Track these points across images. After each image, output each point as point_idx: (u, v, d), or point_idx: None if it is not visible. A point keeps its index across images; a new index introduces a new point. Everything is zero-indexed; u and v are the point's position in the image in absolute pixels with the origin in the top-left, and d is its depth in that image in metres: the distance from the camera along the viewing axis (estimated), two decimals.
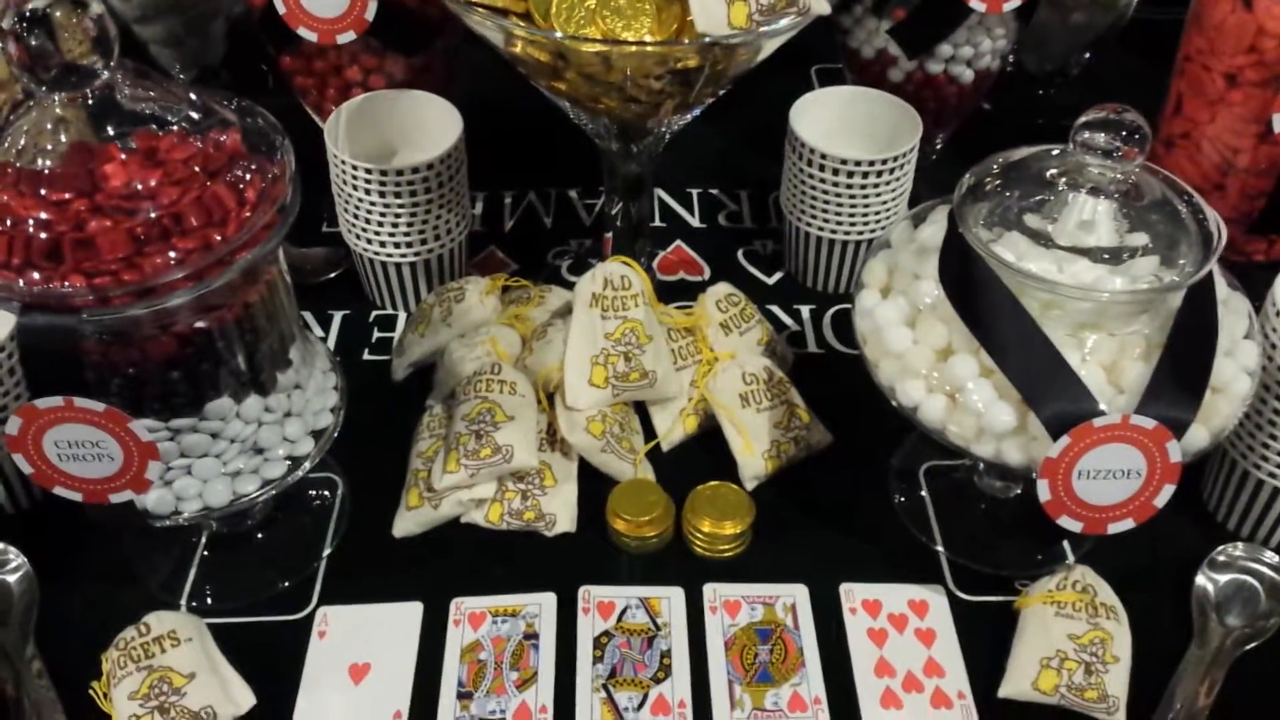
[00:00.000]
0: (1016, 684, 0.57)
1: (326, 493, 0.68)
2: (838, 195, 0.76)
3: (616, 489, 0.65)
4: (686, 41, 0.57)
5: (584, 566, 0.63)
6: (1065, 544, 0.65)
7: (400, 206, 0.73)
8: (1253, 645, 0.60)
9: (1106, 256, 0.54)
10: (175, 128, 0.50)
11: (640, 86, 0.61)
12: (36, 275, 0.47)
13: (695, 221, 0.89)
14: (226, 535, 0.65)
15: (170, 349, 0.52)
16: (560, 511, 0.65)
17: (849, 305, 0.79)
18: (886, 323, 0.58)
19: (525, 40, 0.58)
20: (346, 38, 0.72)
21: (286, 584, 0.63)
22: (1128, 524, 0.54)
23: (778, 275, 0.83)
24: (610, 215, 0.77)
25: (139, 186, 0.49)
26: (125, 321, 0.49)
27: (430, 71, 0.79)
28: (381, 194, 0.72)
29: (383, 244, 0.75)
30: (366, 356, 0.76)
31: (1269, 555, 0.63)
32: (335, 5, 0.71)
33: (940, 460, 0.70)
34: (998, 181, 0.57)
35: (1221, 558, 0.63)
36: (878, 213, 0.77)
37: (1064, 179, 0.55)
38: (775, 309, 0.80)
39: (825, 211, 0.77)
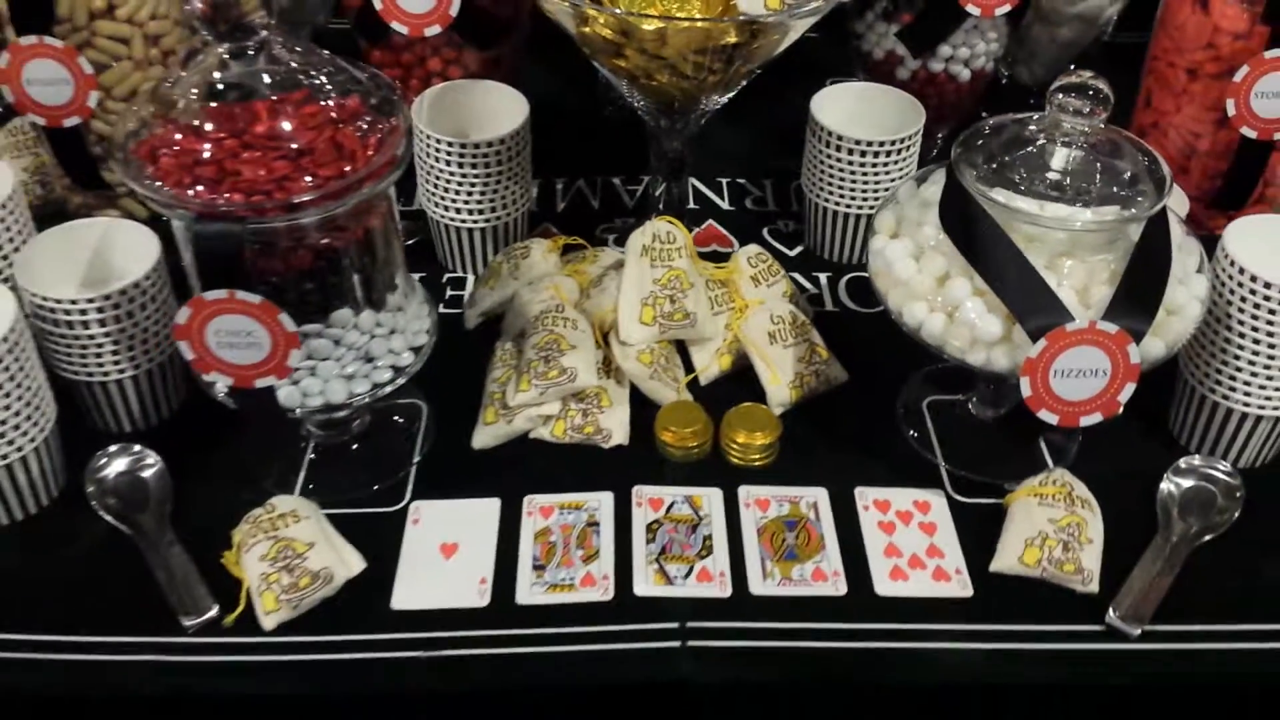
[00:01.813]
0: (1005, 559, 0.68)
1: (413, 415, 0.78)
2: (853, 173, 0.87)
3: (664, 408, 0.76)
4: (728, 20, 0.69)
5: (636, 472, 0.74)
6: (1047, 456, 0.76)
7: (475, 177, 0.85)
8: (1208, 538, 0.70)
9: (1078, 197, 0.65)
10: (314, 83, 0.62)
11: (689, 62, 0.73)
12: (204, 190, 0.59)
13: (725, 205, 1.00)
14: (330, 446, 0.76)
15: (306, 261, 0.63)
16: (615, 427, 0.76)
17: (862, 272, 0.91)
18: (895, 257, 0.69)
19: (596, 19, 0.70)
20: (433, 31, 0.84)
21: (382, 485, 0.73)
22: (1096, 417, 0.65)
23: (798, 249, 0.95)
24: (655, 196, 0.88)
25: (283, 129, 0.60)
26: (275, 232, 0.61)
27: (500, 65, 0.92)
28: (460, 164, 0.84)
29: (458, 211, 0.87)
30: (441, 310, 0.88)
31: (1223, 464, 0.73)
32: (424, 2, 0.83)
33: (940, 395, 0.80)
34: (989, 138, 0.68)
35: (1184, 465, 0.73)
36: (887, 188, 0.88)
37: (1043, 134, 0.67)
38: (797, 275, 0.91)
39: (842, 187, 0.88)
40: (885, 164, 0.87)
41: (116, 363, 0.73)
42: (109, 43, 0.79)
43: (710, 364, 0.81)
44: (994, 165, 0.67)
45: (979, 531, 0.71)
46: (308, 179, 0.60)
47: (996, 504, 0.72)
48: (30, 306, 0.70)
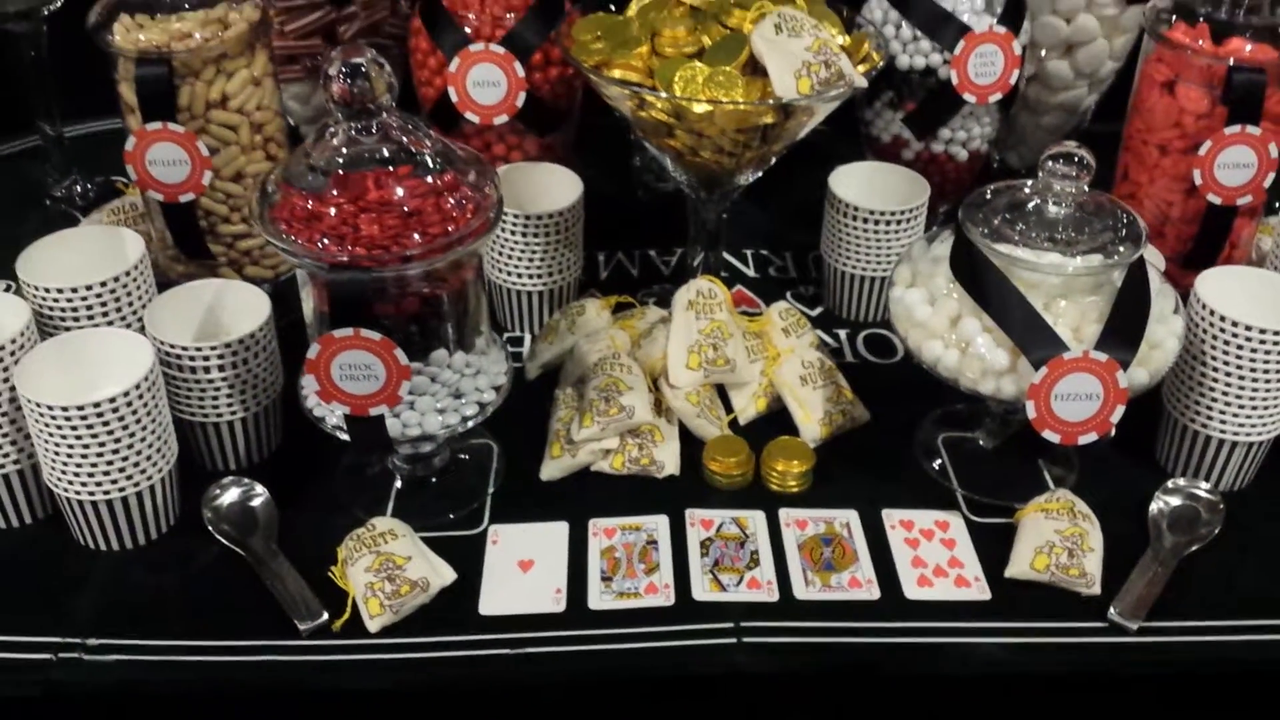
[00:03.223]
0: (1018, 565, 0.77)
1: (485, 453, 0.88)
2: (867, 240, 0.99)
3: (711, 441, 0.86)
4: (766, 103, 0.81)
5: (687, 498, 0.84)
6: (1050, 482, 0.85)
7: (535, 245, 0.96)
8: (1195, 548, 0.80)
9: (1069, 248, 0.76)
10: (422, 157, 0.73)
11: (732, 139, 0.84)
12: (335, 247, 0.70)
13: (751, 272, 1.11)
14: (414, 479, 0.85)
15: (414, 307, 0.74)
16: (668, 459, 0.85)
17: (878, 329, 1.02)
18: (914, 303, 0.80)
19: (653, 104, 0.82)
20: (501, 120, 0.96)
21: (462, 513, 0.83)
22: (1092, 436, 0.75)
23: (818, 309, 1.06)
24: (693, 265, 0.99)
25: (396, 194, 0.71)
26: (392, 281, 0.71)
27: (554, 149, 1.04)
28: (524, 234, 0.95)
29: (519, 276, 0.98)
30: None
31: (1205, 485, 0.83)
32: (495, 94, 0.95)
33: (953, 433, 0.90)
34: (991, 200, 0.79)
35: (1171, 486, 0.83)
36: (899, 251, 0.99)
37: (1037, 195, 0.78)
38: (819, 332, 1.02)
39: (857, 253, 0.99)
40: (896, 232, 0.98)
41: (230, 405, 0.82)
42: (220, 129, 0.90)
43: (748, 405, 0.91)
44: (996, 222, 0.78)
45: (993, 544, 0.80)
46: (417, 236, 0.71)
47: (1007, 523, 0.82)
48: (159, 354, 0.80)
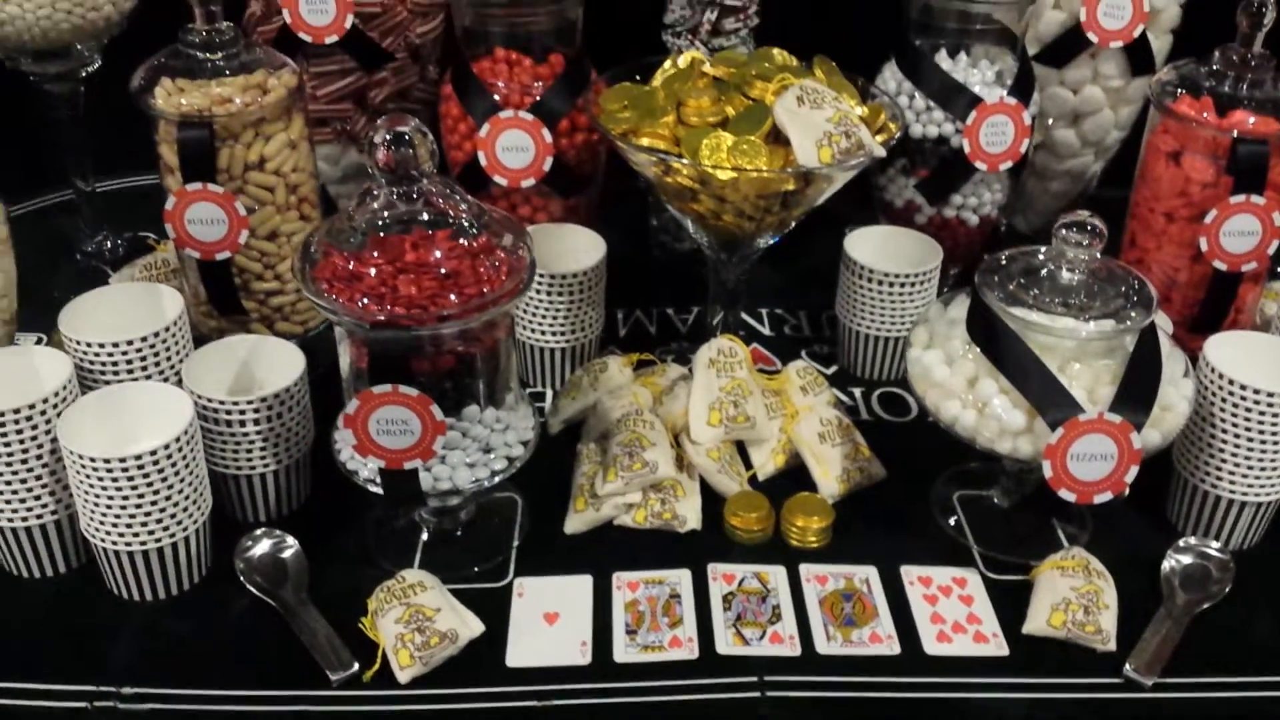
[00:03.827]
0: (1035, 622, 0.79)
1: (510, 507, 0.90)
2: (882, 301, 1.01)
3: (732, 496, 0.88)
4: (789, 170, 0.84)
5: (708, 553, 0.85)
6: (1064, 540, 0.87)
7: (560, 303, 0.98)
8: (1206, 606, 0.81)
9: (1082, 313, 0.79)
10: (459, 220, 0.76)
11: (754, 205, 0.87)
12: (375, 306, 0.72)
13: (767, 331, 1.14)
14: (440, 532, 0.87)
15: (449, 364, 0.76)
16: (690, 514, 0.87)
17: (892, 387, 1.05)
18: (931, 364, 0.82)
19: (679, 170, 0.85)
20: (528, 183, 0.99)
21: (488, 565, 0.84)
22: (1107, 495, 0.77)
23: (833, 368, 1.08)
24: (712, 324, 1.02)
25: (434, 256, 0.74)
26: (428, 339, 0.74)
27: (577, 211, 1.07)
28: (548, 293, 0.98)
29: (543, 333, 1.00)
30: None
31: (1214, 544, 0.85)
32: (523, 159, 0.98)
33: (968, 491, 0.92)
34: (1006, 265, 0.82)
35: (1182, 545, 0.85)
36: (911, 316, 1.02)
37: (1051, 261, 0.81)
38: (835, 391, 1.04)
39: (872, 314, 1.02)
40: (910, 294, 1.01)
41: (263, 458, 0.84)
42: (257, 190, 0.93)
43: (767, 461, 0.93)
44: (1011, 286, 0.81)
45: (1009, 601, 0.82)
46: (453, 297, 0.73)
47: (1022, 579, 0.83)
48: (196, 407, 0.82)
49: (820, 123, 0.83)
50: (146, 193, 1.37)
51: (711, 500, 0.89)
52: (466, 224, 0.76)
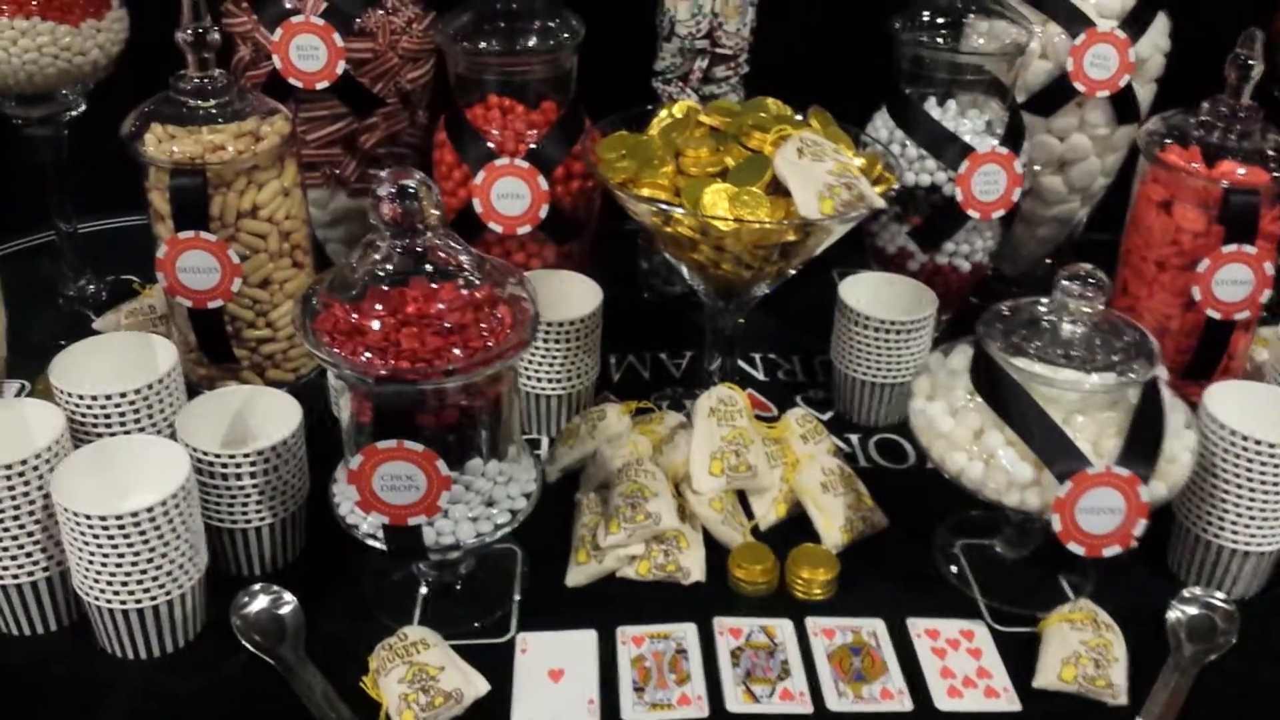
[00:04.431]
0: (1046, 677, 0.78)
1: (509, 559, 0.88)
2: (878, 347, 1.01)
3: (737, 548, 0.87)
4: (790, 222, 0.84)
5: (712, 605, 0.84)
6: (1068, 591, 0.87)
7: (556, 351, 0.98)
8: (1213, 656, 0.81)
9: (1085, 364, 0.79)
10: (464, 272, 0.75)
11: (753, 254, 0.87)
12: (379, 360, 0.71)
13: (761, 376, 1.14)
14: (440, 585, 0.85)
15: (453, 418, 0.75)
16: (693, 565, 0.86)
17: (889, 434, 1.04)
18: (936, 415, 0.82)
19: (679, 220, 0.84)
20: (524, 230, 0.99)
21: (489, 619, 0.83)
22: (1115, 549, 0.77)
23: (829, 413, 1.08)
24: (709, 369, 1.01)
25: (438, 309, 0.73)
26: (434, 393, 0.73)
27: (571, 257, 1.06)
28: (545, 340, 0.97)
29: (539, 380, 0.99)
30: None
31: (1219, 594, 0.85)
32: (519, 206, 0.98)
33: (970, 539, 0.92)
34: (1008, 317, 0.82)
35: (1187, 595, 0.85)
36: (907, 362, 1.02)
37: (1052, 314, 0.81)
38: (834, 438, 1.04)
39: (868, 360, 1.02)
40: (906, 340, 1.01)
41: (259, 511, 0.83)
42: (250, 237, 0.91)
43: (769, 511, 0.92)
44: (1014, 338, 0.81)
45: (1017, 654, 0.81)
46: (458, 351, 0.72)
47: (1029, 631, 0.83)
48: (191, 460, 0.80)
49: (821, 175, 0.84)
50: (129, 233, 1.36)
51: (714, 551, 0.88)
52: (469, 275, 0.75)
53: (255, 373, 0.97)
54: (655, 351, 1.17)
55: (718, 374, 1.01)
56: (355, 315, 0.73)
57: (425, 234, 0.73)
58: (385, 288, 0.73)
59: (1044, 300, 0.83)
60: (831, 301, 1.05)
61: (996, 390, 0.79)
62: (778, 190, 0.86)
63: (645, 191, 0.85)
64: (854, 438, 1.04)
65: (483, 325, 0.73)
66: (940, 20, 1.06)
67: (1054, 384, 0.78)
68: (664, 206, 0.85)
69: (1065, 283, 0.80)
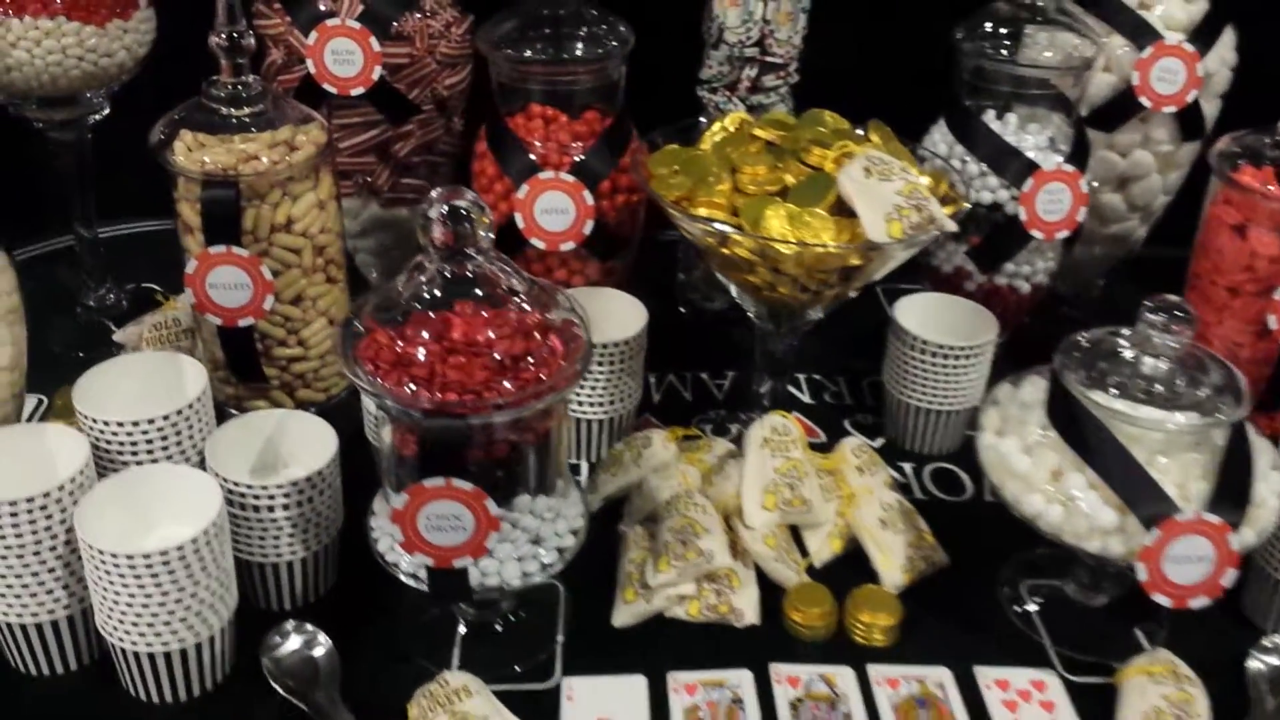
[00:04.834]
0: None
1: (551, 596, 0.84)
2: (935, 374, 0.96)
3: (794, 589, 0.82)
4: (856, 246, 0.79)
5: (767, 649, 0.80)
6: (1141, 638, 0.82)
7: (600, 374, 0.93)
8: None
9: (1169, 403, 0.74)
10: (513, 299, 0.71)
11: (814, 278, 0.82)
12: (425, 392, 0.66)
13: (806, 399, 1.09)
14: (479, 625, 0.81)
15: (502, 452, 0.70)
16: (747, 606, 0.82)
17: (945, 463, 1.00)
18: (1009, 452, 0.78)
19: (738, 241, 0.80)
20: (568, 246, 0.94)
21: (532, 663, 0.78)
22: (1203, 600, 0.72)
23: (880, 440, 1.03)
24: (759, 391, 0.97)
25: (489, 337, 0.69)
26: (484, 428, 0.68)
27: (613, 273, 1.02)
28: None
29: (580, 404, 0.95)
30: None
31: None
32: (562, 222, 0.93)
33: (1037, 580, 0.87)
34: (1087, 350, 0.78)
35: (1267, 644, 0.80)
36: (965, 389, 0.97)
37: (1134, 347, 0.77)
38: (887, 469, 0.99)
39: (924, 386, 0.97)
40: (965, 366, 0.96)
41: (290, 544, 0.78)
42: (283, 252, 0.87)
43: (823, 547, 0.87)
44: (1093, 372, 0.76)
45: (1091, 706, 0.77)
46: (508, 384, 0.67)
47: (1104, 682, 0.78)
48: (221, 492, 0.76)
49: (889, 195, 0.79)
50: (151, 239, 1.32)
51: (767, 590, 0.84)
52: (519, 300, 0.70)
53: (285, 392, 0.93)
54: (696, 371, 1.12)
55: (768, 397, 0.96)
56: (400, 343, 0.68)
57: (476, 257, 0.69)
58: (431, 313, 0.69)
59: (1124, 331, 0.78)
60: (878, 319, 1.00)
61: (1076, 428, 0.75)
62: (841, 210, 0.82)
63: (702, 211, 0.81)
64: (908, 467, 1.00)
65: (534, 355, 0.69)
66: (1004, 30, 1.02)
67: (1139, 423, 0.73)
68: (722, 228, 0.80)
69: (1149, 315, 0.76)
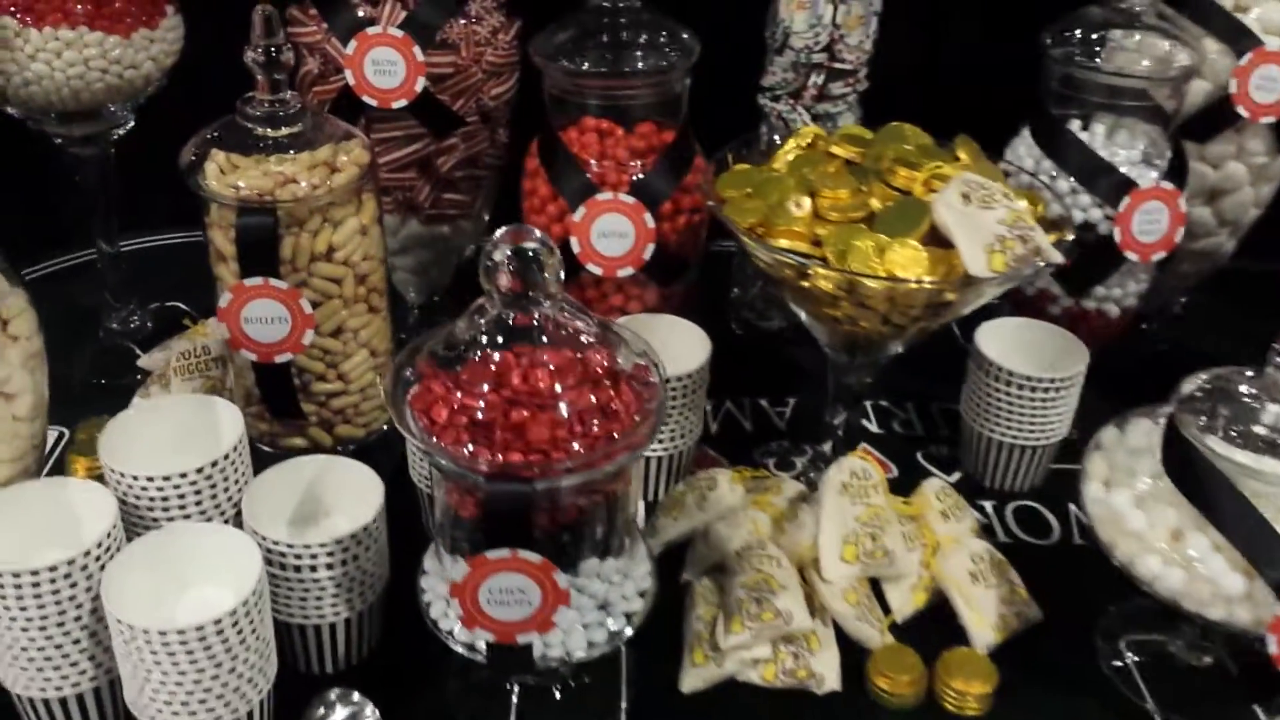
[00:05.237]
0: None
1: (612, 654, 0.78)
2: (1021, 407, 0.89)
3: (878, 653, 0.76)
4: (954, 282, 0.72)
5: (850, 717, 0.74)
6: (1261, 715, 0.75)
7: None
8: None
9: None
10: (581, 346, 0.64)
11: (903, 314, 0.76)
12: (486, 451, 0.60)
13: (874, 428, 1.02)
14: (535, 689, 0.75)
15: (570, 517, 0.64)
16: (827, 672, 0.75)
17: (1029, 501, 0.93)
18: (1123, 508, 0.71)
19: (822, 275, 0.73)
20: (626, 272, 0.87)
21: None
22: None
23: (956, 474, 0.96)
24: (833, 425, 0.90)
25: (555, 389, 0.62)
26: (552, 492, 0.62)
27: (670, 299, 0.95)
28: None
29: None
30: None
31: None
32: (621, 246, 0.86)
33: (1138, 635, 0.80)
34: (1207, 395, 0.71)
35: None
36: (1053, 423, 0.90)
37: (1261, 392, 0.69)
38: (973, 513, 0.91)
39: (1009, 420, 0.90)
40: (1055, 400, 0.89)
41: (334, 605, 0.72)
42: (324, 282, 0.81)
43: (906, 601, 0.81)
44: (1213, 420, 0.69)
45: None
46: (577, 445, 0.61)
47: None
48: (261, 554, 0.69)
49: (991, 225, 0.72)
50: (176, 252, 1.26)
51: (847, 650, 0.77)
52: (591, 347, 0.64)
53: (323, 428, 0.87)
54: (754, 397, 1.05)
55: (842, 429, 0.89)
56: (459, 393, 0.62)
57: (543, 303, 0.62)
58: (493, 363, 0.62)
59: (1247, 373, 0.71)
60: (948, 340, 0.93)
61: (1197, 483, 0.68)
62: (934, 238, 0.75)
63: (783, 242, 0.74)
64: (988, 505, 0.93)
65: (604, 407, 0.62)
66: (1094, 36, 0.94)
67: (1268, 479, 0.66)
68: (806, 260, 0.73)
69: (1279, 358, 0.68)
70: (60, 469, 0.92)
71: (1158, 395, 0.75)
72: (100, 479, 0.71)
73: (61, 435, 0.95)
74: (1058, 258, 0.74)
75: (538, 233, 0.61)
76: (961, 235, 0.72)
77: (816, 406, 1.02)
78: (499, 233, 0.61)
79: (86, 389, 1.02)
